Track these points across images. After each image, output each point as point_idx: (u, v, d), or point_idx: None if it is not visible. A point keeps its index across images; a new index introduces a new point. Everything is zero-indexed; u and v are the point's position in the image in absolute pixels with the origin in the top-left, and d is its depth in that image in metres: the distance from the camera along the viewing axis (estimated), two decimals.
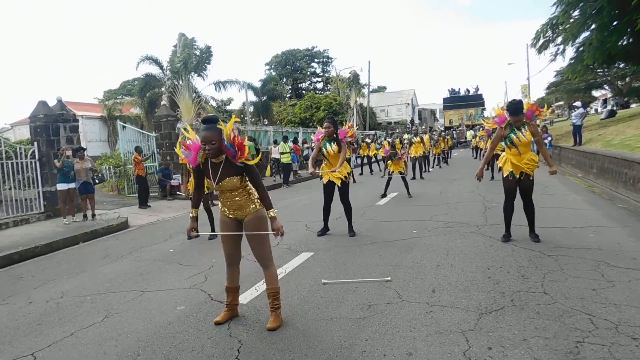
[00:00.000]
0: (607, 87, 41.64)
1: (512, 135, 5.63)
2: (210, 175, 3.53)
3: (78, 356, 3.40)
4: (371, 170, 19.98)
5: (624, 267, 4.50)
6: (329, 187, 6.86)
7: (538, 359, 2.85)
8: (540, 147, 5.88)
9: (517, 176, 5.68)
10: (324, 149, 6.79)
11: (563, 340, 3.08)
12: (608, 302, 3.68)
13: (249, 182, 3.62)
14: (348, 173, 6.82)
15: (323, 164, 6.96)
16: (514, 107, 5.56)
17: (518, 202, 5.78)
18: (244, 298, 4.31)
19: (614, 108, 29.78)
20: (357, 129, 8.55)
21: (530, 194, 5.73)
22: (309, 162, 7.06)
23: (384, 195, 11.01)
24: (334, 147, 6.72)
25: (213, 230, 7.40)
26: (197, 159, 3.58)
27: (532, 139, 5.62)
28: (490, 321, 3.47)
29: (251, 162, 3.52)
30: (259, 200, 3.62)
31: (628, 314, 3.42)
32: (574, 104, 36.41)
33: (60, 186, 9.79)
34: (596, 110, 44.18)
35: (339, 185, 6.75)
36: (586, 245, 5.41)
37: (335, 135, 6.74)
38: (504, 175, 5.81)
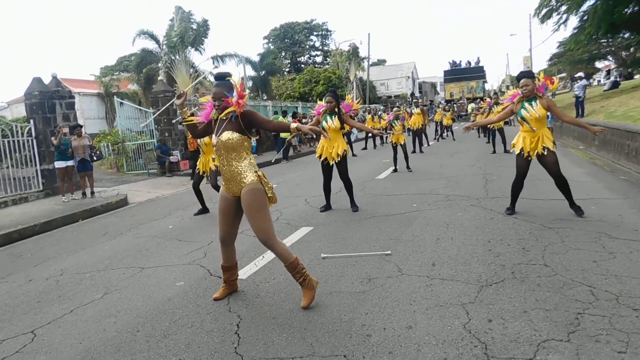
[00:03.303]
0: (610, 58, 40.97)
1: (523, 111, 5.40)
2: (214, 130, 3.55)
3: (77, 333, 3.40)
4: (374, 145, 19.82)
5: (625, 239, 4.47)
6: (326, 165, 6.74)
7: (538, 331, 2.84)
8: (564, 118, 5.67)
9: (534, 156, 5.42)
10: (324, 123, 6.66)
11: (564, 312, 3.07)
12: (609, 273, 3.66)
13: (247, 149, 3.51)
14: (345, 150, 6.65)
15: (321, 141, 6.80)
16: (522, 73, 5.51)
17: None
18: (243, 273, 4.30)
19: (618, 79, 29.39)
20: (359, 103, 8.33)
21: (556, 169, 5.38)
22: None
23: (395, 170, 10.86)
24: (335, 121, 6.58)
25: (204, 207, 7.47)
26: (211, 115, 3.67)
27: (547, 113, 5.38)
28: (490, 294, 3.45)
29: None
30: (256, 174, 3.50)
31: (629, 285, 3.40)
32: (576, 76, 35.97)
33: (58, 164, 9.72)
34: (599, 81, 43.66)
35: (336, 162, 6.62)
36: (587, 217, 5.37)
37: (337, 110, 6.61)
38: (517, 153, 5.56)
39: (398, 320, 3.16)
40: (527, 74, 5.47)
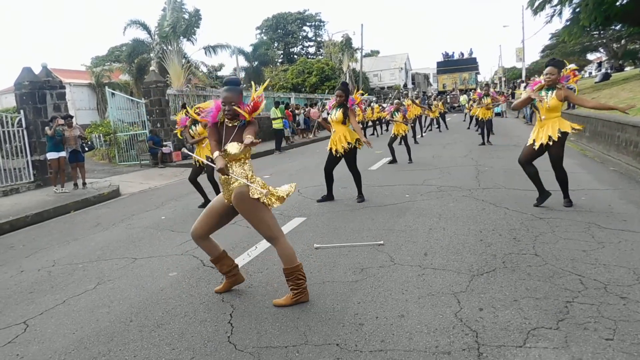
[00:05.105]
0: (602, 50, 41.22)
1: (536, 98, 5.37)
2: (224, 136, 3.43)
3: (70, 323, 3.40)
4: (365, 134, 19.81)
5: (614, 229, 4.53)
6: (331, 154, 6.70)
7: (528, 319, 2.89)
8: (587, 104, 5.34)
9: (538, 145, 5.33)
10: (328, 116, 6.69)
11: (553, 300, 3.11)
12: (598, 262, 3.71)
13: (246, 157, 3.44)
14: (356, 140, 6.58)
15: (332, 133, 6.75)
16: (552, 60, 5.45)
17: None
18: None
19: (609, 71, 29.53)
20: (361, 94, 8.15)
21: (557, 161, 5.33)
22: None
23: (393, 161, 10.76)
24: (338, 114, 6.57)
25: (206, 199, 7.28)
26: (218, 117, 3.49)
27: (562, 102, 5.26)
28: (481, 283, 3.49)
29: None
30: (246, 178, 3.35)
31: (617, 274, 3.45)
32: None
33: (51, 155, 9.59)
34: (590, 73, 43.87)
35: (343, 153, 6.56)
36: (577, 207, 5.43)
37: (344, 102, 6.60)
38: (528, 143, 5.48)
39: (390, 309, 3.18)
40: (556, 63, 5.36)
